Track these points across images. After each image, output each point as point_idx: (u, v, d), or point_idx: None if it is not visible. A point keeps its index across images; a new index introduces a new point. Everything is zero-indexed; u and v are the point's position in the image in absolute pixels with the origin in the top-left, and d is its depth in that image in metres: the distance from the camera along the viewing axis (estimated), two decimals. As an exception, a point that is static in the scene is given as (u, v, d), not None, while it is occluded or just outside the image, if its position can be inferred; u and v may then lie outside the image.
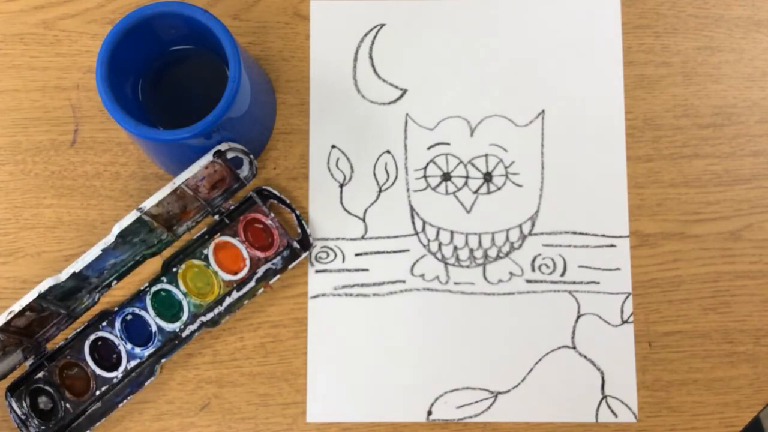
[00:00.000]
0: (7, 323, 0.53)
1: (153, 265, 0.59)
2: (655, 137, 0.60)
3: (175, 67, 0.58)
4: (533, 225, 0.59)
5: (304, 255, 0.58)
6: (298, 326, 0.59)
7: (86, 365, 0.57)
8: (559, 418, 0.58)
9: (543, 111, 0.60)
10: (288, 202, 0.59)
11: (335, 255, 0.59)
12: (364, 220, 0.60)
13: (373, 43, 0.61)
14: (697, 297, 0.59)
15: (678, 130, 0.60)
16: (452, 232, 0.59)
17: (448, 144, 0.60)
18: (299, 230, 0.59)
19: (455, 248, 0.59)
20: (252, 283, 0.59)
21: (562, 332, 0.59)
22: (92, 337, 0.58)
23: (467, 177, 0.60)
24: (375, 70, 0.61)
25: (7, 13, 0.62)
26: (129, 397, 0.57)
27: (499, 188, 0.60)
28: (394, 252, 0.59)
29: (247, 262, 0.58)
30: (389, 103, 0.61)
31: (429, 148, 0.60)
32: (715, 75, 0.61)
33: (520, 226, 0.59)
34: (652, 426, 0.58)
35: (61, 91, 0.61)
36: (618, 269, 0.59)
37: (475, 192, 0.60)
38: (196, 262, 0.58)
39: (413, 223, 0.60)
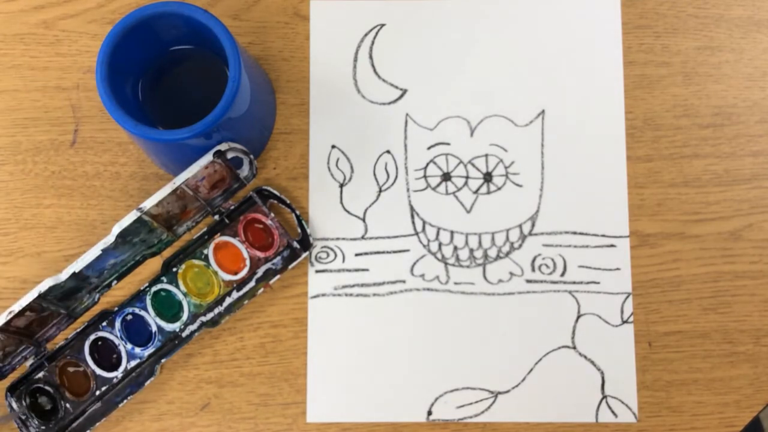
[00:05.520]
0: (7, 323, 0.53)
1: (153, 265, 0.59)
2: (655, 137, 0.60)
3: (175, 67, 0.58)
4: (533, 225, 0.59)
5: (304, 255, 0.58)
6: (298, 326, 0.59)
7: (86, 365, 0.57)
8: (559, 418, 0.58)
9: (543, 111, 0.60)
10: (288, 202, 0.59)
11: (335, 255, 0.59)
12: (364, 220, 0.60)
13: (373, 43, 0.61)
14: (697, 297, 0.59)
15: (678, 130, 0.60)
16: (452, 232, 0.59)
17: (448, 144, 0.60)
18: (299, 230, 0.59)
19: (455, 248, 0.59)
20: (252, 283, 0.59)
21: (562, 332, 0.59)
22: (92, 337, 0.58)
23: (467, 177, 0.60)
24: (375, 70, 0.61)
25: (7, 13, 0.62)
26: (129, 397, 0.57)
27: (499, 188, 0.60)
28: (394, 252, 0.59)
29: (247, 262, 0.58)
30: (389, 103, 0.61)
31: (429, 148, 0.60)
32: (715, 75, 0.61)
33: (520, 226, 0.59)
34: (652, 426, 0.58)
35: (61, 91, 0.61)
36: (618, 269, 0.59)
37: (475, 192, 0.60)
38: (196, 262, 0.58)
39: (413, 223, 0.60)
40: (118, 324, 0.58)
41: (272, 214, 0.59)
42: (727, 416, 0.58)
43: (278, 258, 0.59)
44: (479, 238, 0.59)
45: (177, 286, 0.58)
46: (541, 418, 0.58)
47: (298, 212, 0.59)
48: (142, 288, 0.58)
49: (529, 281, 0.59)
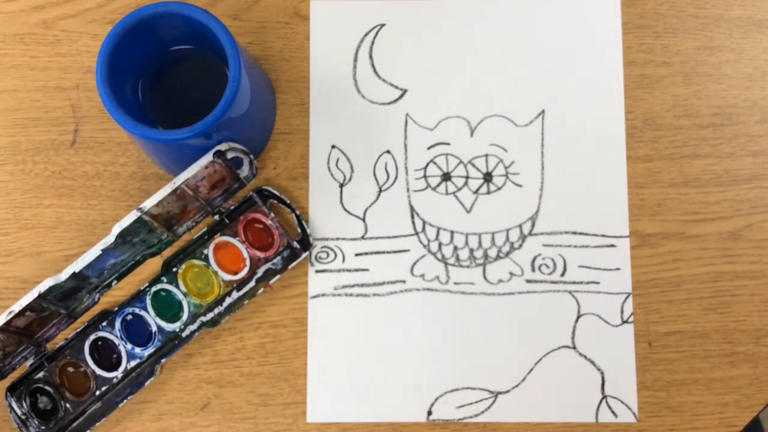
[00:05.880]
0: (7, 323, 0.53)
1: (153, 265, 0.59)
2: (655, 137, 0.60)
3: (175, 67, 0.58)
4: (533, 225, 0.59)
5: (304, 255, 0.58)
6: (298, 326, 0.59)
7: (86, 365, 0.57)
8: (559, 418, 0.58)
9: (543, 111, 0.60)
10: (288, 202, 0.59)
11: (335, 255, 0.59)
12: (364, 220, 0.60)
13: (373, 43, 0.61)
14: (697, 297, 0.59)
15: (678, 130, 0.60)
16: (452, 232, 0.59)
17: (448, 144, 0.60)
18: (299, 230, 0.59)
19: (455, 248, 0.59)
20: (252, 283, 0.59)
21: (562, 332, 0.59)
22: (92, 337, 0.58)
23: (467, 177, 0.60)
24: (375, 70, 0.61)
25: (7, 13, 0.62)
26: (129, 397, 0.57)
27: (499, 188, 0.60)
28: (394, 252, 0.59)
29: (247, 262, 0.58)
30: (389, 103, 0.61)
31: (429, 148, 0.60)
32: (715, 75, 0.61)
33: (520, 226, 0.59)
34: (652, 426, 0.58)
35: (61, 91, 0.61)
36: (618, 269, 0.59)
37: (475, 192, 0.60)
38: (196, 262, 0.58)
39: (413, 223, 0.60)
40: (118, 324, 0.58)
41: (272, 214, 0.59)
42: (727, 416, 0.58)
43: (278, 258, 0.59)
44: (479, 238, 0.59)
45: (177, 286, 0.58)
46: (541, 418, 0.58)
47: (298, 212, 0.59)
48: (142, 288, 0.58)
49: (529, 281, 0.59)
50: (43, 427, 0.56)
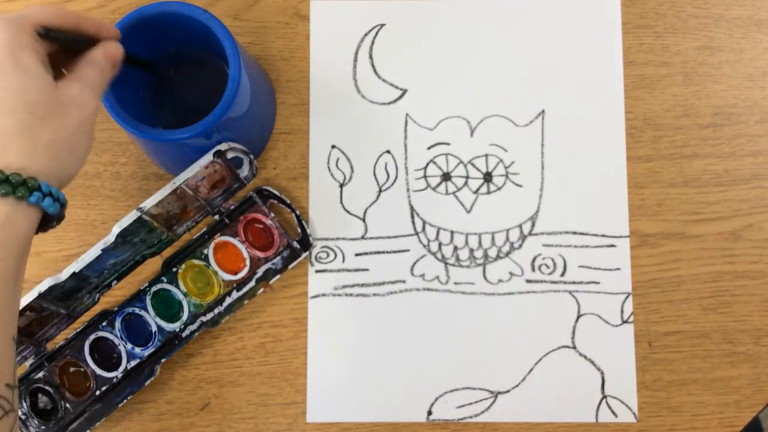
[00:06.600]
0: (7, 323, 0.53)
1: (153, 265, 0.59)
2: (655, 137, 0.60)
3: (175, 67, 0.58)
4: (533, 225, 0.59)
5: (304, 255, 0.58)
6: (298, 326, 0.59)
7: (86, 365, 0.57)
8: (559, 418, 0.58)
9: (543, 111, 0.60)
10: (288, 202, 0.59)
11: (335, 255, 0.59)
12: (364, 220, 0.60)
13: (373, 43, 0.61)
14: (697, 297, 0.59)
15: (678, 130, 0.60)
16: (452, 232, 0.59)
17: (448, 144, 0.60)
18: (299, 230, 0.59)
19: (455, 248, 0.59)
20: (252, 283, 0.59)
21: (562, 332, 0.59)
22: (92, 337, 0.57)
23: (467, 177, 0.60)
24: (375, 70, 0.61)
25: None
26: (129, 397, 0.57)
27: (499, 188, 0.60)
28: (394, 252, 0.59)
29: (247, 262, 0.58)
30: (389, 103, 0.61)
31: (429, 148, 0.60)
32: (715, 75, 0.61)
33: (520, 226, 0.59)
34: (652, 426, 0.58)
35: (61, 91, 0.61)
36: (618, 269, 0.59)
37: (475, 192, 0.60)
38: (196, 262, 0.58)
39: (413, 223, 0.60)
40: (118, 324, 0.58)
41: (272, 214, 0.59)
42: (727, 416, 0.58)
43: (278, 258, 0.59)
44: (479, 238, 0.59)
45: (177, 286, 0.58)
46: (541, 418, 0.58)
47: (298, 212, 0.59)
48: (142, 288, 0.58)
49: (529, 281, 0.59)
50: (43, 427, 0.56)
